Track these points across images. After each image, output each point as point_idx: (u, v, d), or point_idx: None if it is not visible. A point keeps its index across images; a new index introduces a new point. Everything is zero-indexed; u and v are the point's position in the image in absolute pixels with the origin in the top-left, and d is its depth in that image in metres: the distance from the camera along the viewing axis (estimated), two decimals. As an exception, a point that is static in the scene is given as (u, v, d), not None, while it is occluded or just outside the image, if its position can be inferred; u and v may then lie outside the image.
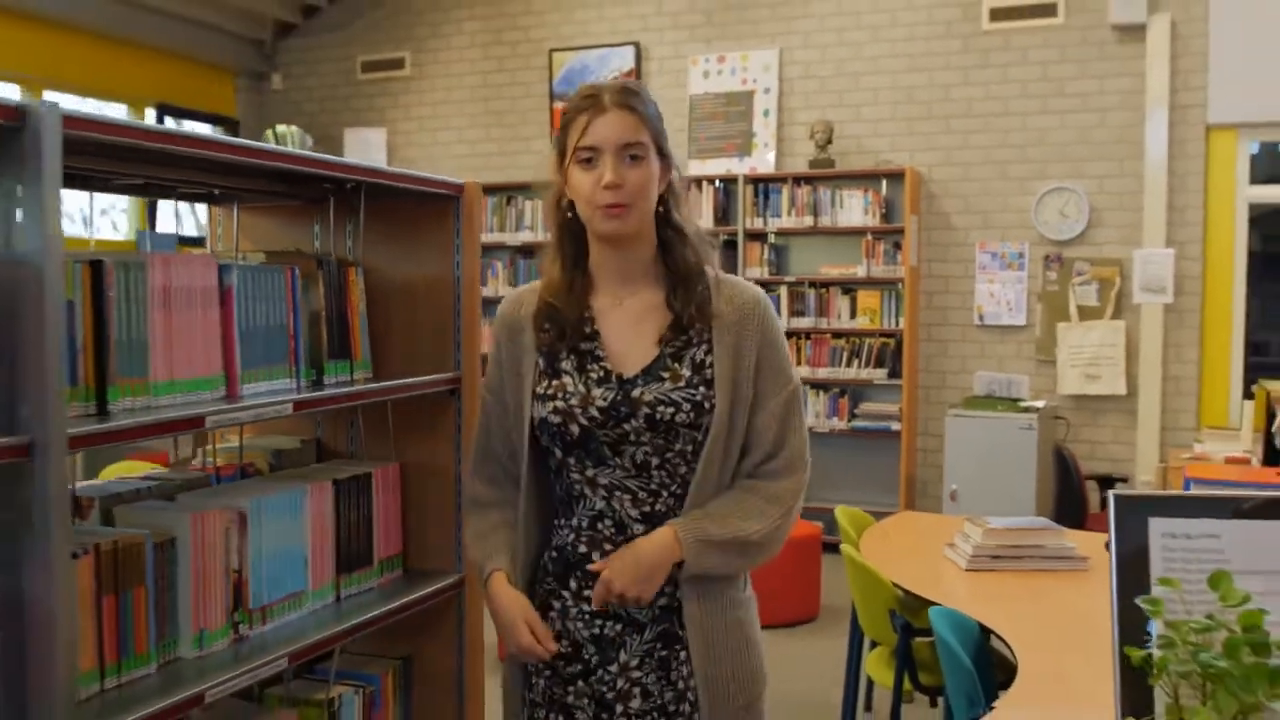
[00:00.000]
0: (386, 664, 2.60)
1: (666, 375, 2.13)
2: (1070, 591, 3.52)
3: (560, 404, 2.13)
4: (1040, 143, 7.78)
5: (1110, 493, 2.00)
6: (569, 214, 2.15)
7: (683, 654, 2.16)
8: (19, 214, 1.75)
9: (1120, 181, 7.61)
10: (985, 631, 3.34)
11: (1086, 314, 7.74)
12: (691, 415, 2.11)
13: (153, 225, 8.71)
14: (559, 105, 8.77)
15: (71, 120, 1.78)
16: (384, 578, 2.57)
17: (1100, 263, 7.69)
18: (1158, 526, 2.00)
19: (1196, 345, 7.46)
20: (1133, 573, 1.94)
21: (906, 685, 3.86)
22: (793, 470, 2.21)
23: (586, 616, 2.17)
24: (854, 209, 7.92)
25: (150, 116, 8.98)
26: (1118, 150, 7.60)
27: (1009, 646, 3.09)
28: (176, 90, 9.23)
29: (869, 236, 7.86)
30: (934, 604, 3.32)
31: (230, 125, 9.61)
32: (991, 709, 2.64)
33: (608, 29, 8.78)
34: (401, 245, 2.63)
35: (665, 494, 2.15)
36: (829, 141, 8.04)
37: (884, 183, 7.93)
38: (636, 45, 8.61)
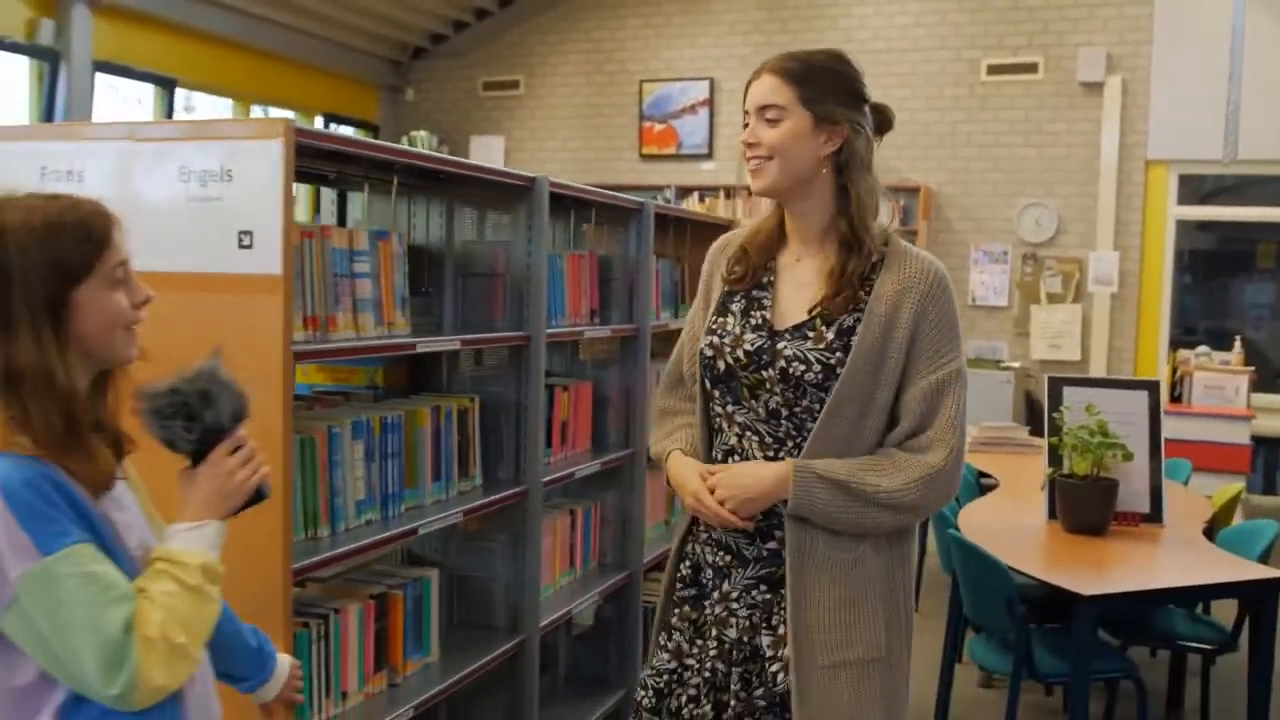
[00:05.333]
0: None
1: (812, 335, 2.09)
2: (1031, 462, 5.55)
3: (716, 340, 2.18)
4: (1022, 168, 9.23)
5: (1045, 375, 4.37)
6: None
7: (786, 604, 2.11)
8: (527, 237, 2.98)
9: (1081, 200, 9.09)
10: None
11: (1053, 299, 9.08)
12: (820, 376, 2.06)
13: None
14: (646, 124, 10.51)
15: (554, 184, 2.96)
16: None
17: (1064, 261, 9.10)
18: (1066, 392, 4.32)
19: (1134, 324, 9.00)
20: (1053, 406, 4.27)
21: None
22: (936, 448, 2.07)
23: (713, 543, 2.22)
24: (880, 215, 9.60)
25: (318, 122, 10.57)
26: (1080, 176, 9.08)
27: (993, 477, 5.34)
28: (334, 101, 10.79)
29: (891, 236, 9.55)
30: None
31: (372, 129, 11.15)
32: (978, 499, 4.93)
33: (688, 65, 10.29)
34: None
35: (790, 444, 2.12)
36: (863, 161, 9.69)
37: (903, 195, 9.25)
38: (711, 80, 10.17)
